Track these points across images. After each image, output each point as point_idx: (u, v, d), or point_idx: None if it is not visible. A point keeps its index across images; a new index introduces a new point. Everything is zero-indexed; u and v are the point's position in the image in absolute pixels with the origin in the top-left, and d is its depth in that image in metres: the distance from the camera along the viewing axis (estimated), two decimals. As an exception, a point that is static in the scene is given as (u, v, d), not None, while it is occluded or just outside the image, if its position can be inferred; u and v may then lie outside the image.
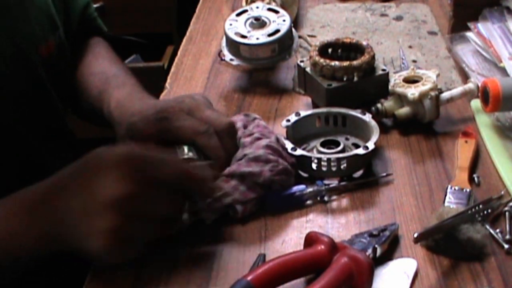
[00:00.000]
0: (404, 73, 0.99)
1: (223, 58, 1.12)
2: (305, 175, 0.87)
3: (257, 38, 1.06)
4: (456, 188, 0.83)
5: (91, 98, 0.96)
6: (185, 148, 0.81)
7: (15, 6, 0.89)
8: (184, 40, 1.28)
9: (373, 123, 0.91)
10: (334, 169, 0.86)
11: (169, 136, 0.83)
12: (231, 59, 1.08)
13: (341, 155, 0.86)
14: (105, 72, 0.98)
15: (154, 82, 1.12)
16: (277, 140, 0.85)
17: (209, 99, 0.88)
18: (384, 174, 0.87)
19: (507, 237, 0.76)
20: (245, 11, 1.11)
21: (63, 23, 0.99)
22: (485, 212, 0.78)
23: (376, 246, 0.73)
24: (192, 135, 0.81)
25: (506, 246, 0.75)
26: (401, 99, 0.96)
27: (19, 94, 0.89)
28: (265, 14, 1.10)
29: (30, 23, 0.91)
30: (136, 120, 0.84)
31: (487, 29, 1.11)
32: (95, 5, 2.10)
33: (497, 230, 0.77)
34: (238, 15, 1.10)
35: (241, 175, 0.80)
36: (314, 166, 0.86)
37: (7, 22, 0.87)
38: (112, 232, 0.67)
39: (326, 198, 0.84)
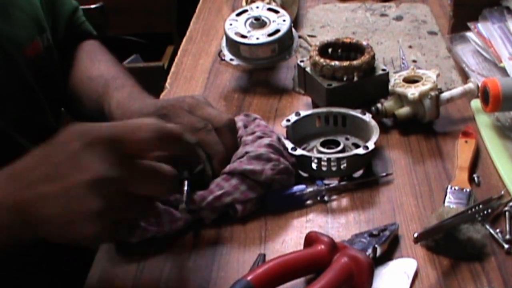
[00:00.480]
0: (404, 73, 0.99)
1: (223, 58, 1.12)
2: (305, 175, 0.87)
3: (257, 38, 1.06)
4: (456, 188, 0.83)
5: (92, 102, 0.96)
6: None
7: None
8: (184, 40, 1.28)
9: (373, 123, 0.91)
10: (334, 169, 0.86)
11: None
12: (231, 59, 1.08)
13: (341, 155, 0.86)
14: (104, 75, 0.98)
15: (154, 82, 1.12)
16: (279, 139, 0.85)
17: (209, 100, 0.88)
18: (384, 174, 0.87)
19: (507, 237, 0.76)
20: (245, 11, 1.11)
21: (50, 28, 0.98)
22: (485, 212, 0.78)
23: (376, 246, 0.73)
24: (190, 132, 0.81)
25: (506, 246, 0.75)
26: (401, 99, 0.96)
27: (6, 97, 0.88)
28: (265, 14, 1.10)
29: (14, 25, 0.90)
30: (137, 118, 0.84)
31: (487, 29, 1.11)
32: (95, 5, 2.10)
33: (497, 230, 0.77)
34: (238, 15, 1.11)
35: (242, 173, 0.80)
36: (314, 166, 0.86)
37: None
38: (99, 215, 0.63)
39: (326, 198, 0.84)
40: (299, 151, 0.86)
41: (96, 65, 1.01)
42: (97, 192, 0.63)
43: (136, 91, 0.93)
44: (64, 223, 0.64)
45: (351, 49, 1.02)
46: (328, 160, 0.85)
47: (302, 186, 0.84)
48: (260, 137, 0.84)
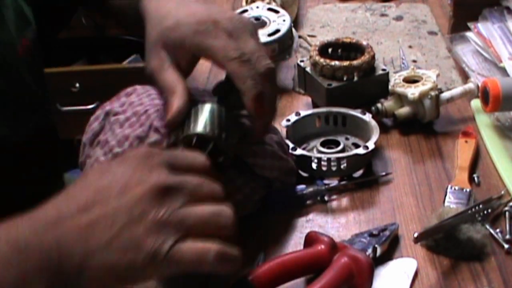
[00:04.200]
0: (404, 73, 0.99)
1: (223, 58, 1.12)
2: (305, 175, 0.87)
3: (257, 38, 1.06)
4: (456, 188, 0.83)
5: (131, 11, 0.87)
6: (205, 112, 0.70)
7: None
8: (184, 40, 1.28)
9: (373, 123, 0.91)
10: (334, 168, 0.86)
11: (199, 54, 0.73)
12: (231, 59, 1.08)
13: (341, 154, 0.86)
14: None
15: (154, 81, 1.12)
16: (281, 137, 0.85)
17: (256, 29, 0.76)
18: (384, 173, 0.87)
19: (507, 237, 0.76)
20: (245, 11, 1.11)
21: (34, 17, 0.93)
22: (485, 212, 0.78)
23: (376, 246, 0.73)
24: (222, 59, 0.69)
25: (506, 246, 0.75)
26: (401, 99, 0.96)
27: (8, 103, 0.86)
28: (265, 14, 1.10)
29: (7, 27, 0.87)
30: (171, 25, 0.73)
31: (487, 29, 1.11)
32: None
33: (497, 230, 0.77)
34: (238, 15, 1.10)
35: (253, 165, 0.79)
36: (314, 165, 0.86)
37: None
38: (162, 225, 0.53)
39: (326, 198, 0.84)
40: (299, 151, 0.86)
41: None
42: (160, 199, 0.55)
43: None
44: (119, 249, 0.54)
45: (351, 49, 1.02)
46: (328, 160, 0.85)
47: (302, 186, 0.84)
48: None
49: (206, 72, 1.16)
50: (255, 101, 0.69)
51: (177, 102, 0.70)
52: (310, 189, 0.84)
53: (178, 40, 0.72)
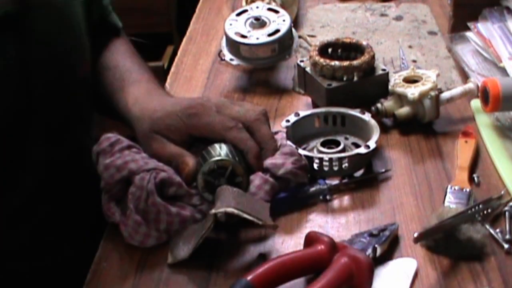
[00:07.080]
0: (404, 73, 0.99)
1: (223, 58, 1.12)
2: (305, 175, 0.88)
3: (257, 38, 1.06)
4: (456, 188, 0.83)
5: (107, 94, 0.95)
6: (217, 148, 0.80)
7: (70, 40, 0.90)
8: (184, 40, 1.28)
9: (372, 122, 0.91)
10: (335, 168, 0.86)
11: (198, 133, 0.84)
12: (231, 59, 1.08)
13: (343, 154, 0.86)
14: (119, 66, 0.96)
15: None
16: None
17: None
18: (383, 170, 0.87)
19: (507, 237, 0.76)
20: (245, 11, 1.11)
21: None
22: (485, 212, 0.78)
23: (376, 246, 0.73)
24: (221, 131, 0.82)
25: (506, 246, 0.75)
26: (401, 99, 0.96)
27: (65, 129, 0.89)
28: (265, 14, 1.10)
29: (74, 50, 0.91)
30: (161, 115, 0.84)
31: (487, 29, 1.11)
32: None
33: (497, 230, 0.77)
34: (238, 15, 1.11)
35: (265, 169, 0.81)
36: (315, 166, 0.86)
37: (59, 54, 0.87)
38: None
39: (328, 197, 0.84)
40: (300, 151, 0.86)
41: (114, 55, 1.00)
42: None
43: (152, 87, 0.92)
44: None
45: (351, 49, 1.02)
46: (330, 160, 0.85)
47: (304, 186, 0.84)
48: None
49: (206, 72, 1.16)
50: (256, 158, 0.82)
51: (190, 160, 0.82)
52: (311, 189, 0.84)
53: (173, 125, 0.84)
